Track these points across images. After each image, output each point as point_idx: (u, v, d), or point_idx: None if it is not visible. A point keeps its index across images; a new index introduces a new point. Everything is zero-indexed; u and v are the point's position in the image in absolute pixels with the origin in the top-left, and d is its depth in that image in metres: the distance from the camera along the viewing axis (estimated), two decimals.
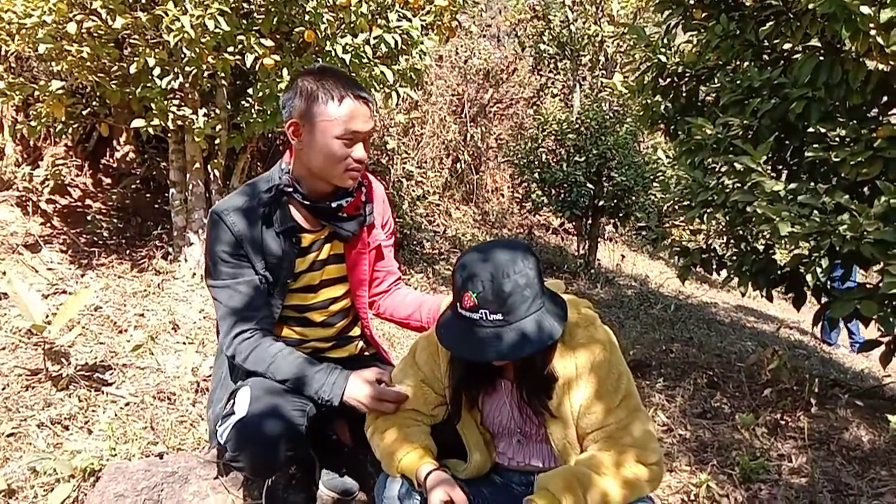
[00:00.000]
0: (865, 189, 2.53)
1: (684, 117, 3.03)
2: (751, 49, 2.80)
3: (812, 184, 2.44)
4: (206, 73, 3.23)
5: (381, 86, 3.63)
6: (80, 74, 3.14)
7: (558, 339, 1.27)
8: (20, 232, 3.54)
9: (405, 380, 1.47)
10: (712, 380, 3.13)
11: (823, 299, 2.70)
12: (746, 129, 2.62)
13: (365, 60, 3.39)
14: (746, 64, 2.80)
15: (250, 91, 3.40)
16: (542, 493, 1.19)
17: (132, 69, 3.07)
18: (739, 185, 2.47)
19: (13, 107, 3.80)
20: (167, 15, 2.84)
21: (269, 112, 3.35)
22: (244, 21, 3.27)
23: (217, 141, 3.62)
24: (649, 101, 3.24)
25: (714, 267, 2.99)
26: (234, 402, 1.51)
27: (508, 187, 8.44)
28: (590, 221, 6.85)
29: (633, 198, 6.38)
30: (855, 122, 2.38)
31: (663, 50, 3.08)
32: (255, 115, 3.40)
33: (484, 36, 9.24)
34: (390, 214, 1.84)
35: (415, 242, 6.02)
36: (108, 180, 4.33)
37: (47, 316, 2.49)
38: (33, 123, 3.32)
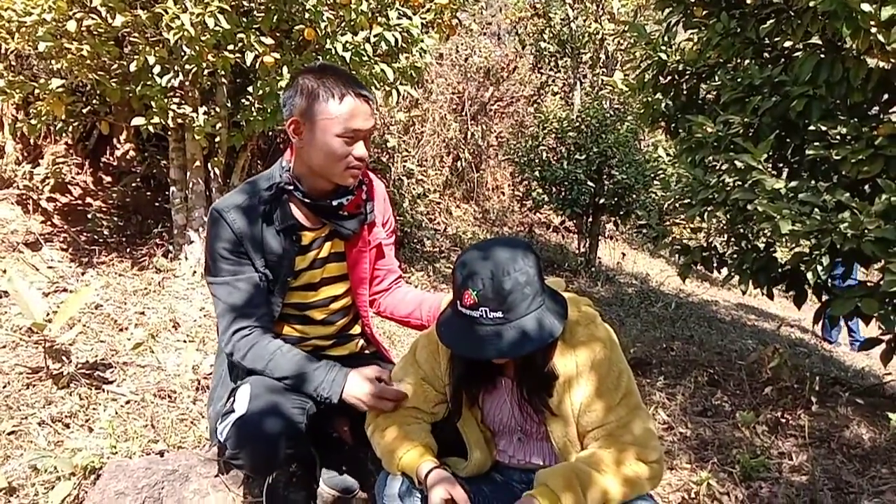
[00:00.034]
0: (866, 187, 2.53)
1: (685, 115, 3.03)
2: (751, 47, 2.80)
3: (813, 182, 2.43)
4: (206, 71, 3.23)
5: (382, 84, 3.62)
6: (80, 72, 3.13)
7: (559, 337, 1.27)
8: (21, 230, 3.54)
9: (405, 378, 1.47)
10: (713, 378, 3.13)
11: (824, 297, 2.70)
12: (747, 127, 2.62)
13: (365, 58, 3.38)
14: (747, 62, 2.80)
15: (250, 89, 3.40)
16: (542, 490, 1.19)
17: (132, 67, 3.06)
18: (740, 183, 2.47)
19: (13, 105, 3.79)
20: (167, 13, 2.83)
21: (269, 110, 3.35)
22: (244, 19, 3.26)
23: (217, 139, 3.62)
24: (650, 98, 3.24)
25: (715, 265, 2.99)
26: (234, 400, 1.51)
27: (509, 185, 8.43)
28: (590, 219, 6.85)
29: (634, 196, 6.37)
30: (856, 119, 2.38)
31: (664, 48, 3.07)
32: (255, 114, 3.39)
33: (484, 34, 9.22)
34: (391, 213, 1.84)
35: (415, 240, 6.01)
36: (109, 178, 4.32)
37: (48, 314, 2.48)
38: (33, 122, 3.32)
